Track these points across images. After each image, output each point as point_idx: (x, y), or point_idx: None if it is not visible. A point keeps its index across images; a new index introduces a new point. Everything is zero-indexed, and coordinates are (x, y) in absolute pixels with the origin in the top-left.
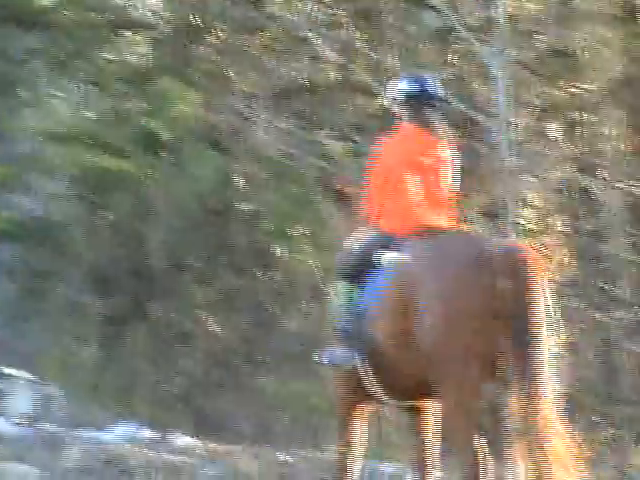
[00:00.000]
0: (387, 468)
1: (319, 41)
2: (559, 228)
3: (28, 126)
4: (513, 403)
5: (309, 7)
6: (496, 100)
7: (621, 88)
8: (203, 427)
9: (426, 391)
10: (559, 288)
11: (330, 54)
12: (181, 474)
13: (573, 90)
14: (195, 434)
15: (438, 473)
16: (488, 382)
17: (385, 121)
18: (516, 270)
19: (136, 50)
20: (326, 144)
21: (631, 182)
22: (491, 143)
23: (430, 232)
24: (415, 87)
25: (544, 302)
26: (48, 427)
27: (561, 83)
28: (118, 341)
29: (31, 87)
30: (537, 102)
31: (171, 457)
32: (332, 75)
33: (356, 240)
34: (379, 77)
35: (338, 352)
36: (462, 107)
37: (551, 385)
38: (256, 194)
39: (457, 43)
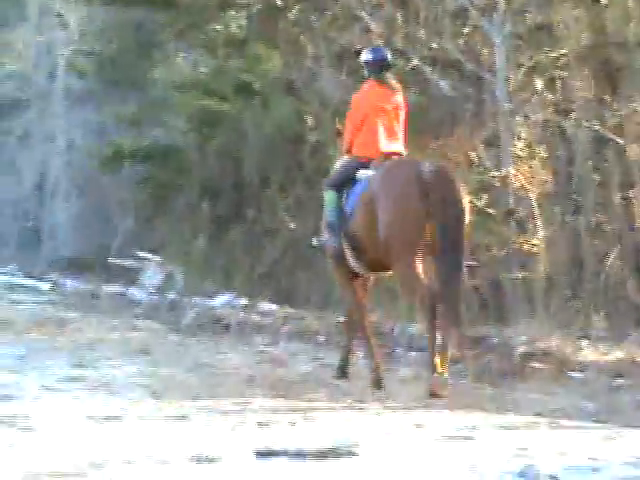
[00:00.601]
0: (415, 329)
1: (368, 17)
2: (541, 155)
3: (159, 78)
4: (438, 272)
5: None
6: (497, 62)
7: (588, 53)
8: (282, 296)
9: (385, 265)
10: (541, 198)
11: (375, 28)
12: (265, 330)
13: (553, 54)
14: (276, 302)
15: None
16: (422, 257)
17: (418, 76)
18: (440, 181)
19: (236, 23)
20: None
21: (594, 122)
22: (493, 93)
23: (389, 157)
24: (375, 55)
25: (461, 202)
26: (171, 295)
27: (545, 49)
28: (222, 235)
29: (161, 50)
30: (527, 63)
31: (258, 318)
32: (377, 43)
33: (341, 163)
34: (413, 45)
35: (327, 238)
36: (472, 67)
37: (465, 261)
38: (320, 128)
39: (469, 19)
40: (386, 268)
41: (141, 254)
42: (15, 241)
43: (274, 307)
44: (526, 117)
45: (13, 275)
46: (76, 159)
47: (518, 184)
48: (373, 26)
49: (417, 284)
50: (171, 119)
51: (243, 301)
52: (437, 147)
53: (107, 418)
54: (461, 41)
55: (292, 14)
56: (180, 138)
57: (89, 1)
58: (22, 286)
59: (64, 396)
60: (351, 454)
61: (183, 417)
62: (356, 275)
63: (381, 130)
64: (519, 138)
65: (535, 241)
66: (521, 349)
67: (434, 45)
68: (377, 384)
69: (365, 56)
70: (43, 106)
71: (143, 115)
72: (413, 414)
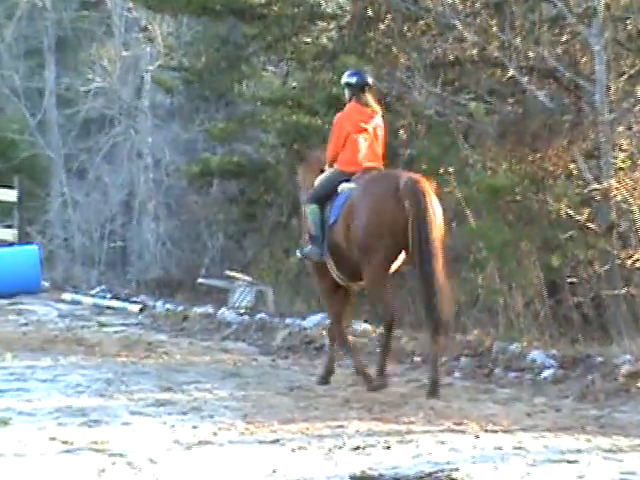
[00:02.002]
0: (515, 348)
1: (461, 26)
2: None
3: (248, 93)
4: (418, 278)
5: (454, 0)
6: (596, 70)
7: None
8: (376, 316)
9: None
10: None
11: (470, 36)
12: (359, 352)
13: None
14: (370, 322)
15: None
16: (393, 263)
17: (515, 87)
18: (414, 192)
19: (326, 35)
20: (466, 104)
21: None
22: (593, 103)
23: (368, 171)
24: (358, 79)
25: (434, 212)
26: (262, 316)
27: None
28: None
29: (250, 64)
30: (628, 71)
31: (351, 338)
32: (472, 52)
33: (323, 176)
34: (509, 54)
35: (311, 249)
36: (571, 75)
37: (440, 264)
38: (414, 142)
39: (567, 27)
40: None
41: (231, 274)
42: (102, 262)
43: (368, 327)
44: (628, 127)
45: (101, 297)
46: (164, 177)
47: (620, 197)
48: (467, 35)
49: (387, 302)
50: (261, 134)
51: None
52: (535, 159)
53: (197, 443)
54: (559, 49)
55: (383, 24)
56: (270, 154)
57: (176, 15)
58: (110, 308)
59: (153, 421)
60: (450, 479)
61: (276, 441)
62: (339, 286)
63: (363, 147)
64: (620, 149)
65: (638, 256)
66: (625, 368)
67: (531, 54)
68: (371, 385)
69: (347, 79)
70: (130, 123)
71: (232, 131)
72: (513, 436)
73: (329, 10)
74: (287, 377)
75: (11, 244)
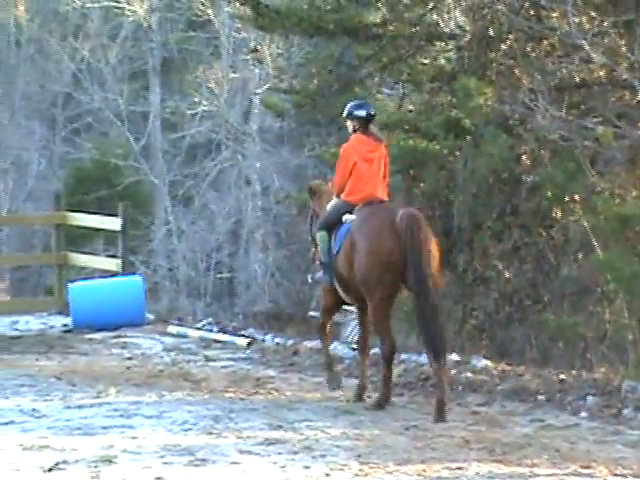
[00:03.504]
0: None
1: (588, 46)
2: None
3: None
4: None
5: (580, 19)
6: None
7: None
8: (497, 352)
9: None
10: None
11: (598, 57)
12: (479, 389)
13: None
14: (490, 357)
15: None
16: (395, 295)
17: None
18: (410, 226)
19: (444, 55)
20: (593, 128)
21: None
22: None
23: (372, 202)
24: (363, 111)
25: (429, 245)
26: (376, 350)
27: None
28: None
29: (364, 86)
30: None
31: (471, 375)
32: (599, 74)
33: (331, 206)
34: (638, 75)
35: (321, 275)
36: None
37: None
38: (538, 168)
39: None
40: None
41: (343, 306)
42: (209, 293)
43: (488, 363)
44: None
45: (207, 330)
46: (272, 205)
47: None
48: (594, 56)
49: (386, 334)
50: None
51: (454, 357)
52: None
53: None
54: None
55: (505, 44)
56: None
57: (286, 35)
58: (217, 341)
59: (263, 460)
60: None
61: None
62: (345, 303)
63: (368, 177)
64: None
65: None
66: None
67: None
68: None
69: (355, 112)
70: (237, 148)
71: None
72: None
73: (448, 30)
74: (403, 415)
75: (114, 274)
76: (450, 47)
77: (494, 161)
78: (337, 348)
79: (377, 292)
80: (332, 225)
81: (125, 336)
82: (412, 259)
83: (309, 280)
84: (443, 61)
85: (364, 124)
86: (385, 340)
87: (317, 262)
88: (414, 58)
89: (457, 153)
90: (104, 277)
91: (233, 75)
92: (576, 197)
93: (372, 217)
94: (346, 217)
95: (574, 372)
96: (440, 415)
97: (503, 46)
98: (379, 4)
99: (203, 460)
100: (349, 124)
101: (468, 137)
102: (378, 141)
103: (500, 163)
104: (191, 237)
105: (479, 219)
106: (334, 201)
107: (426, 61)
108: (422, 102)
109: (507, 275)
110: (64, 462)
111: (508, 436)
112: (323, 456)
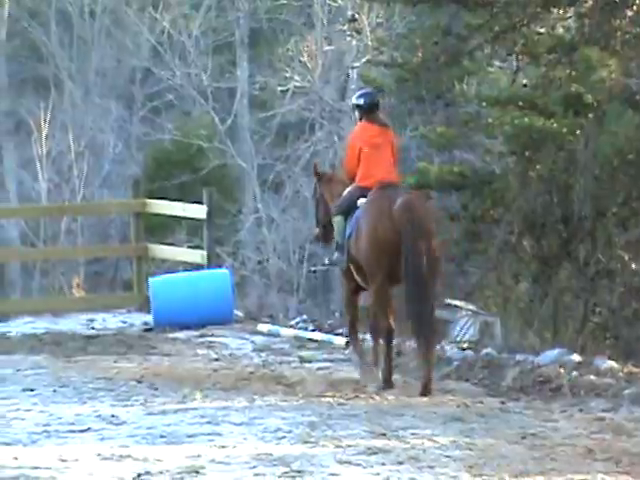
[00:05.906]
0: None
1: None
2: None
3: (471, 92)
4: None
5: None
6: None
7: None
8: (623, 352)
9: None
10: None
11: None
12: (603, 393)
13: None
14: (616, 358)
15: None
16: (395, 281)
17: None
18: (409, 209)
19: (562, 24)
20: None
21: None
22: None
23: (384, 186)
24: (366, 100)
25: (430, 228)
26: (489, 351)
27: None
28: (548, 278)
29: (473, 59)
30: None
31: (594, 378)
32: None
33: (347, 191)
34: None
35: (337, 256)
36: None
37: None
38: None
39: None
40: None
41: (452, 302)
42: (302, 288)
43: (613, 365)
44: None
45: (302, 328)
46: None
47: None
48: None
49: (381, 320)
50: (486, 140)
51: (575, 358)
52: None
53: None
54: None
55: (632, 10)
56: (497, 163)
57: (387, 3)
58: (312, 341)
59: (364, 472)
60: None
61: None
62: (362, 288)
63: (376, 161)
64: None
65: None
66: None
67: None
68: (382, 381)
69: (356, 101)
70: (333, 128)
71: (452, 136)
72: None
73: None
74: (519, 422)
75: (199, 267)
76: (569, 14)
77: (619, 141)
78: (445, 349)
79: (377, 276)
80: (348, 209)
81: (211, 335)
82: (405, 246)
83: (326, 262)
84: (561, 30)
85: (367, 112)
86: (381, 323)
87: (334, 244)
88: (529, 27)
89: (577, 132)
90: (188, 270)
91: (328, 47)
92: None
93: (374, 202)
94: (361, 201)
95: None
96: (426, 391)
97: (629, 12)
98: None
99: (299, 472)
100: (356, 114)
101: (590, 114)
102: (384, 127)
103: (625, 143)
104: (282, 227)
105: (602, 205)
106: (350, 187)
107: (542, 30)
108: (538, 76)
109: (633, 267)
110: (147, 473)
111: (636, 445)
112: (431, 467)
